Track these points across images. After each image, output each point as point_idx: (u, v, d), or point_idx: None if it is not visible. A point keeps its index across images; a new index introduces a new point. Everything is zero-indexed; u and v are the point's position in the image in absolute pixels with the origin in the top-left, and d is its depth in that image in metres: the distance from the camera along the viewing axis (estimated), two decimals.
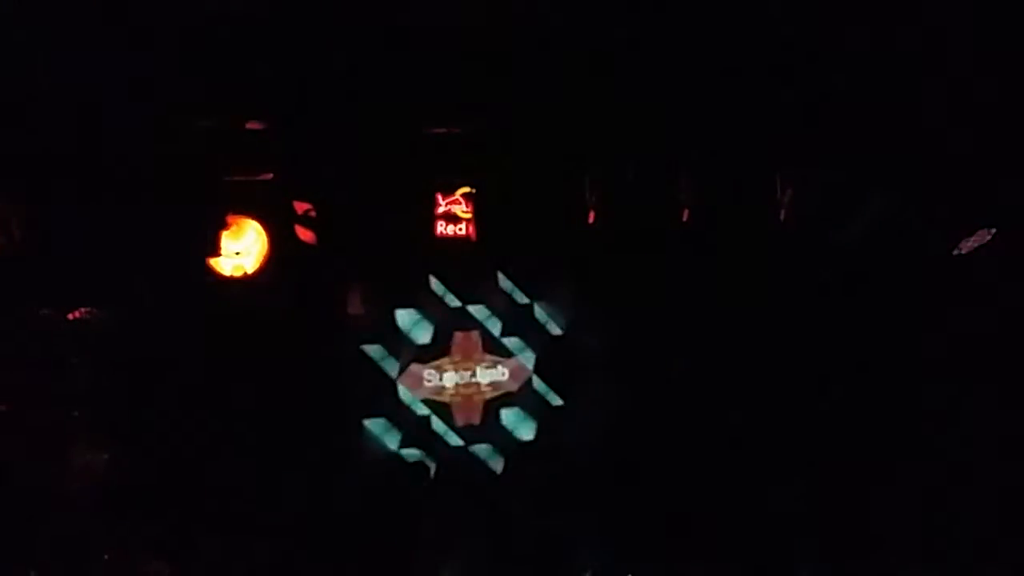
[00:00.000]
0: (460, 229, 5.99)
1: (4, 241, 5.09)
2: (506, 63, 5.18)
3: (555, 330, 6.35)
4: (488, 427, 6.20)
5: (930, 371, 5.65)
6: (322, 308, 5.86)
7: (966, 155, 5.35)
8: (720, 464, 5.66)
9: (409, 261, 6.08)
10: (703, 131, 5.72)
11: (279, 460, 5.52)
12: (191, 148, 5.32)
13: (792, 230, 5.79)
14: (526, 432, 6.24)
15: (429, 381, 6.14)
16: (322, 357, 5.79)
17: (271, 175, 5.57)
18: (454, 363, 6.21)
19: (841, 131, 5.47)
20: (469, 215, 5.99)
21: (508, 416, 6.24)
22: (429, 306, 6.21)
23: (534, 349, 6.32)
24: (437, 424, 6.14)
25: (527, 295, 6.35)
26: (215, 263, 5.55)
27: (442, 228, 5.97)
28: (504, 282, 6.32)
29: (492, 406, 6.23)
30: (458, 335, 6.24)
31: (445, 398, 6.17)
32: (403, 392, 6.11)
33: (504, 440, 6.19)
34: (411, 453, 6.02)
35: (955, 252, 5.61)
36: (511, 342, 6.31)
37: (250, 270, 5.61)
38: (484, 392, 6.23)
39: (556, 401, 6.31)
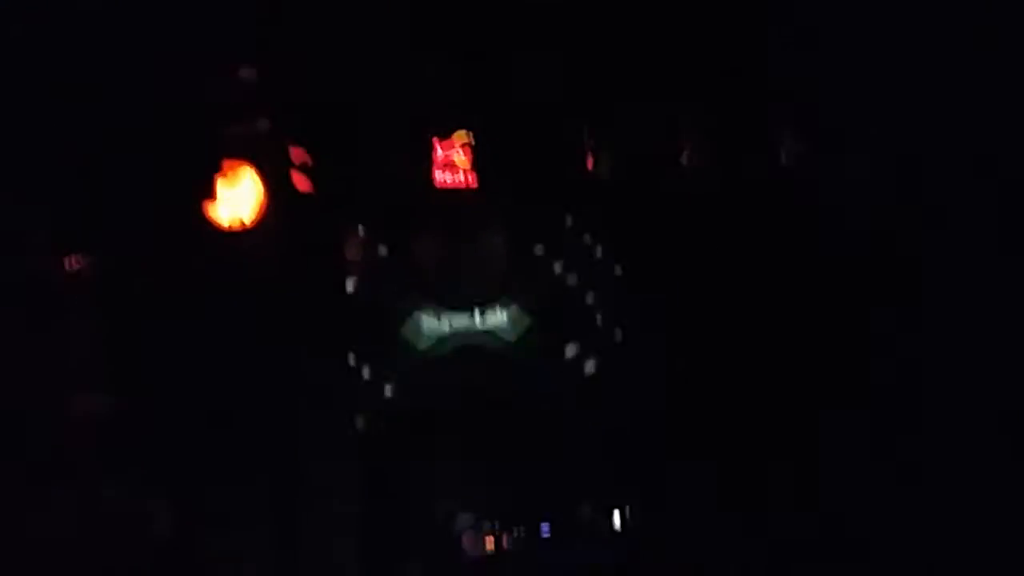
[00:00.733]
0: (459, 178, 5.98)
1: None
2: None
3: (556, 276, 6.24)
4: None
5: None
6: (321, 256, 5.82)
7: None
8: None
9: (408, 208, 6.02)
10: (702, 76, 5.72)
11: (279, 409, 5.49)
12: (185, 96, 5.30)
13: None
14: None
15: (430, 327, 6.08)
16: (321, 304, 5.75)
17: (267, 122, 5.53)
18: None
19: None
20: (467, 164, 5.98)
21: None
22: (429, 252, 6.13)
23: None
24: (436, 372, 6.07)
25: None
26: (212, 211, 5.51)
27: (441, 176, 5.96)
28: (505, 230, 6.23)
29: None
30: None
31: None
32: (403, 339, 6.04)
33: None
34: (409, 400, 5.97)
35: None
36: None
37: (247, 220, 5.57)
38: None
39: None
